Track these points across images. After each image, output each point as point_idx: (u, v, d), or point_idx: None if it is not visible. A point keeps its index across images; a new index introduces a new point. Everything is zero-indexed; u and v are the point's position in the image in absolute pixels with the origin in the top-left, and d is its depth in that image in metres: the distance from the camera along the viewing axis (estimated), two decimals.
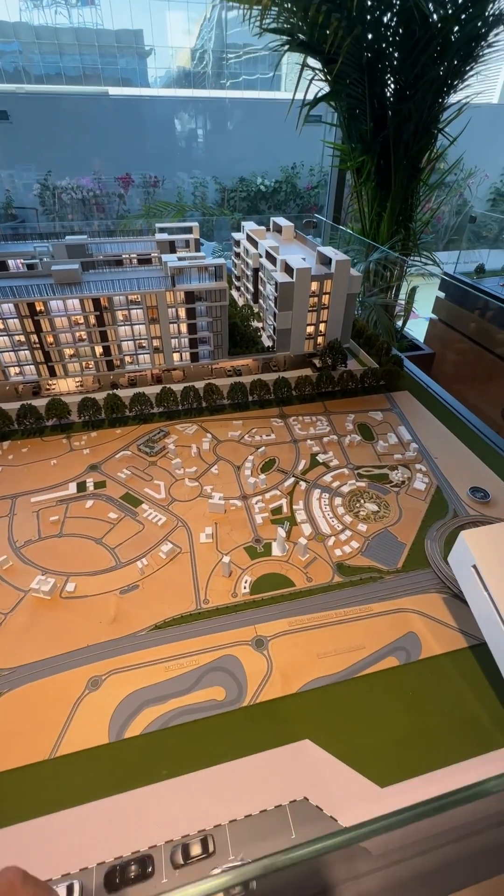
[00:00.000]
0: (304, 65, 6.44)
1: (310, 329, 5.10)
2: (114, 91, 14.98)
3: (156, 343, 4.75)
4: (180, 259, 4.68)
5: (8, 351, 4.40)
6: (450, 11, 5.64)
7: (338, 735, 2.34)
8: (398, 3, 5.73)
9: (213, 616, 2.87)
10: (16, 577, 3.08)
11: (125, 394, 4.56)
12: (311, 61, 6.51)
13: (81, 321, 4.46)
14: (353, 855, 1.71)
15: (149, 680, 2.53)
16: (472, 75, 6.40)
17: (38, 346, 4.44)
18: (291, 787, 2.15)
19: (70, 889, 1.80)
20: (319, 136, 8.63)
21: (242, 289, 6.36)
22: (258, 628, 2.80)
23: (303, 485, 3.85)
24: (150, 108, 14.37)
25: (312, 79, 6.56)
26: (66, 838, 1.98)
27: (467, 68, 6.33)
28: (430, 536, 3.42)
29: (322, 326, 5.14)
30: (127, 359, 4.78)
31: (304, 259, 4.82)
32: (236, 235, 6.25)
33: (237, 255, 6.36)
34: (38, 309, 4.28)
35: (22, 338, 4.37)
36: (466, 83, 6.58)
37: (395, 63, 6.20)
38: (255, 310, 5.85)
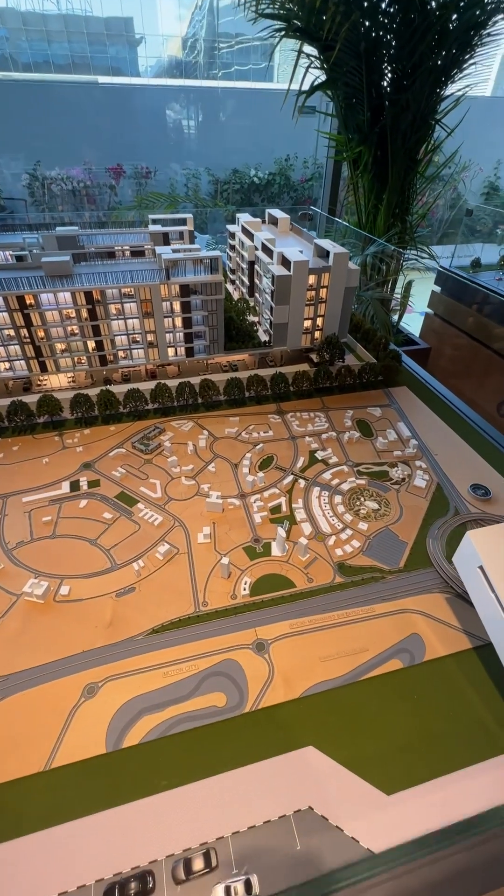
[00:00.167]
0: (301, 52, 6.29)
1: (307, 323, 5.01)
2: (103, 80, 14.68)
3: (150, 338, 4.63)
4: (175, 251, 4.56)
5: None
6: None
7: (342, 741, 2.29)
8: None
9: (213, 619, 2.79)
10: (7, 580, 2.97)
11: (119, 390, 4.45)
12: (308, 49, 6.37)
13: (73, 315, 4.33)
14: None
15: (147, 686, 2.46)
16: (470, 65, 6.29)
17: (28, 340, 4.30)
18: (295, 796, 2.09)
19: None
20: (314, 127, 8.49)
21: (238, 282, 6.24)
22: (259, 631, 2.73)
23: (302, 483, 3.78)
24: (141, 97, 14.10)
25: (309, 67, 6.41)
26: (63, 855, 1.91)
27: (465, 58, 6.22)
28: (432, 535, 3.36)
29: (319, 321, 5.05)
30: (120, 354, 4.66)
31: (301, 252, 4.72)
32: (231, 227, 6.13)
33: (232, 247, 6.24)
34: (28, 302, 4.14)
35: (11, 332, 4.23)
36: (464, 73, 6.47)
37: (393, 52, 6.08)
38: (251, 304, 5.74)
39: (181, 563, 3.12)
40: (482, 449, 4.22)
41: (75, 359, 4.54)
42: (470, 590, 2.62)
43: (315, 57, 6.40)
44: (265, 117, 14.47)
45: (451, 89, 6.65)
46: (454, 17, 5.74)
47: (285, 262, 4.66)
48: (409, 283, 7.97)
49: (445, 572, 3.06)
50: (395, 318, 8.12)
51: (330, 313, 5.00)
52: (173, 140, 14.68)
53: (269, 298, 4.85)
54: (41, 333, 4.30)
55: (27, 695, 2.41)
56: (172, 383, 4.54)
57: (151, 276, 4.40)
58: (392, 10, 5.82)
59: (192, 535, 3.31)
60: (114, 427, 4.32)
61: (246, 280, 5.72)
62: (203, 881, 1.84)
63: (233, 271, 6.43)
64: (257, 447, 4.10)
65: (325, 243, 4.89)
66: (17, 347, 4.32)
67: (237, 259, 6.07)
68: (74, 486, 3.68)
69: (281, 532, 3.22)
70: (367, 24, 5.87)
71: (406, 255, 7.57)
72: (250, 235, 5.49)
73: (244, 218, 5.86)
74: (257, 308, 5.57)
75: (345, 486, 3.76)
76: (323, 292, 4.85)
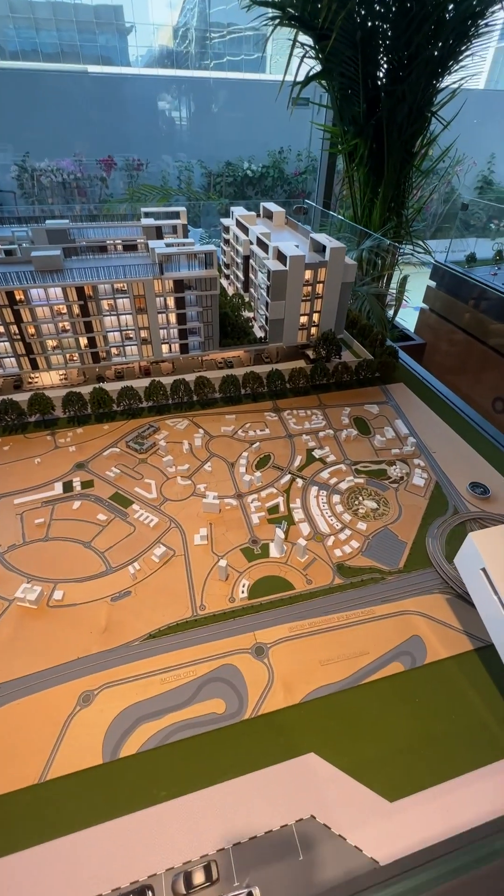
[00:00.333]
0: (296, 41, 6.17)
1: (303, 319, 4.94)
2: (93, 69, 14.39)
3: (143, 334, 4.54)
4: (168, 245, 4.46)
5: None
6: None
7: (344, 747, 2.25)
8: None
9: (210, 623, 2.74)
10: None
11: (112, 387, 4.36)
12: (302, 38, 6.25)
13: (64, 311, 4.23)
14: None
15: (144, 693, 2.40)
16: (466, 56, 6.21)
17: (18, 337, 4.19)
18: (297, 805, 2.05)
19: None
20: (308, 119, 8.37)
21: (232, 277, 6.15)
22: (258, 635, 2.68)
23: (299, 482, 3.73)
24: (132, 87, 13.84)
25: (304, 56, 6.30)
26: (59, 871, 1.85)
27: (462, 48, 6.14)
28: (432, 534, 3.33)
29: (316, 317, 4.98)
30: (113, 351, 4.56)
31: (297, 246, 4.64)
32: (225, 221, 6.03)
33: (226, 241, 6.14)
34: (17, 298, 4.03)
35: (1, 329, 4.12)
36: (461, 65, 6.39)
37: (389, 42, 5.98)
38: (247, 299, 5.65)
39: (178, 566, 3.06)
40: (480, 446, 4.19)
41: (67, 356, 4.44)
42: (472, 591, 2.59)
43: (310, 46, 6.29)
44: (258, 109, 14.29)
45: (447, 81, 6.57)
46: (451, 6, 5.66)
47: (281, 256, 4.58)
48: (405, 278, 7.91)
49: (445, 572, 3.03)
50: (391, 313, 8.06)
51: (326, 309, 4.93)
52: (165, 131, 14.46)
53: (264, 294, 4.77)
54: (31, 330, 4.20)
55: (20, 704, 2.34)
56: (167, 381, 4.46)
57: (144, 270, 4.31)
58: None
59: (189, 536, 3.24)
60: (107, 426, 4.23)
61: (241, 275, 5.63)
62: (204, 895, 1.80)
63: (227, 266, 6.33)
64: (254, 446, 4.04)
65: (322, 238, 4.81)
66: (7, 344, 4.21)
67: (232, 253, 5.98)
68: (67, 486, 3.60)
69: (279, 533, 3.17)
70: (363, 12, 5.77)
71: (402, 250, 7.51)
72: (245, 229, 5.40)
73: (238, 211, 5.76)
74: (252, 303, 5.49)
75: (343, 486, 3.71)
76: (319, 288, 4.78)
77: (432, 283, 8.57)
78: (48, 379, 4.57)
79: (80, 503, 3.47)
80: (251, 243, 5.21)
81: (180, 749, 2.22)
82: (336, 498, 3.61)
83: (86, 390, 4.28)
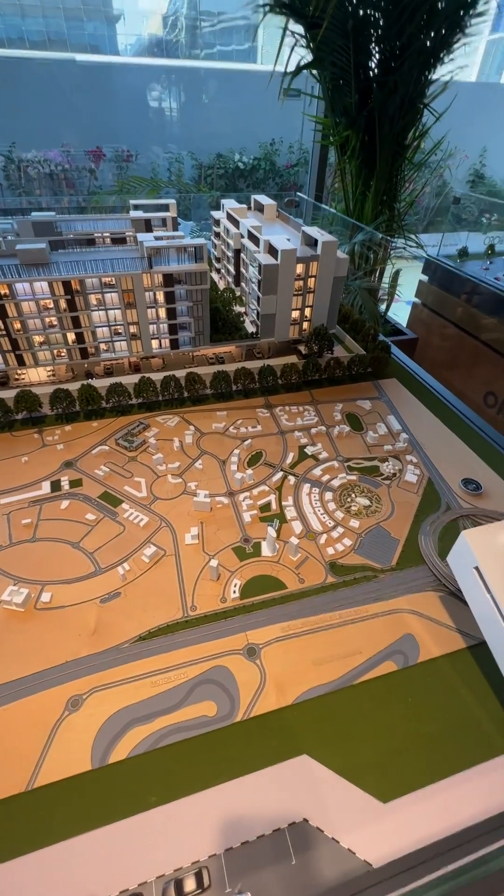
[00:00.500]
0: (286, 29, 6.06)
1: (295, 314, 4.88)
2: (81, 58, 14.09)
3: (133, 329, 4.46)
4: (157, 239, 4.37)
5: None
6: None
7: (336, 748, 2.23)
8: None
9: (202, 624, 2.70)
10: None
11: (101, 384, 4.28)
12: (293, 27, 6.13)
13: (51, 306, 4.13)
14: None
15: (134, 697, 2.36)
16: (459, 46, 6.14)
17: (3, 332, 4.09)
18: (290, 808, 2.03)
19: None
20: (299, 110, 8.25)
21: (223, 271, 6.06)
22: (249, 635, 2.64)
23: (291, 479, 3.69)
24: (122, 76, 13.57)
25: (295, 45, 6.19)
26: (47, 880, 1.81)
27: (454, 39, 6.06)
28: (424, 532, 3.31)
29: (308, 311, 4.92)
30: (102, 346, 4.48)
31: (288, 240, 4.57)
32: (216, 214, 5.93)
33: (217, 234, 6.05)
34: (1, 292, 3.93)
35: None
36: (453, 56, 6.32)
37: (381, 31, 5.89)
38: (238, 293, 5.58)
39: (168, 566, 3.01)
40: (472, 442, 4.18)
41: (55, 352, 4.35)
42: (465, 590, 2.57)
43: (301, 35, 6.18)
44: (249, 100, 14.10)
45: (439, 72, 6.49)
46: None
47: (272, 250, 4.51)
48: (397, 273, 7.86)
49: (438, 570, 3.01)
50: (383, 307, 8.02)
51: (318, 303, 4.88)
52: (155, 122, 14.22)
53: (255, 288, 4.70)
54: (17, 325, 4.10)
55: (7, 710, 2.29)
56: (157, 377, 4.39)
57: (133, 264, 4.22)
58: None
59: (180, 535, 3.20)
60: (96, 423, 4.16)
61: (232, 269, 5.55)
62: None
63: (218, 260, 6.24)
64: (245, 443, 3.99)
65: (313, 231, 4.75)
66: None
67: (222, 247, 5.89)
68: (55, 486, 3.53)
69: (271, 531, 3.13)
70: (354, 1, 5.67)
71: (394, 244, 7.45)
72: (236, 222, 5.31)
73: (229, 204, 5.67)
74: (244, 298, 5.42)
75: (335, 483, 3.68)
76: (311, 282, 4.72)
77: (424, 278, 8.55)
78: (35, 375, 4.47)
79: (69, 503, 3.40)
80: (242, 237, 5.13)
81: (171, 753, 2.18)
82: (328, 495, 3.58)
83: (74, 387, 4.19)
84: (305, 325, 5.01)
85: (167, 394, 4.40)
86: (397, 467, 3.86)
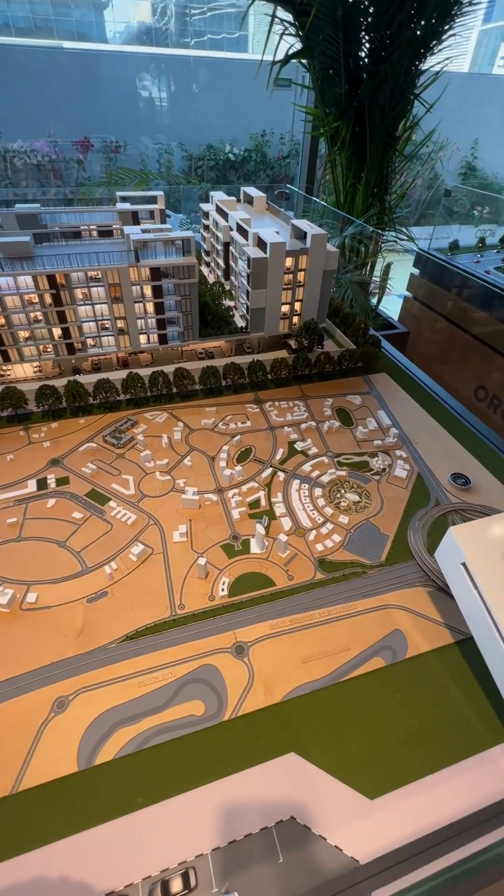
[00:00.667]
0: (274, 16, 5.96)
1: (285, 308, 4.84)
2: (68, 45, 13.81)
3: (120, 324, 4.39)
4: (144, 231, 4.30)
5: None
6: None
7: (324, 745, 2.22)
8: None
9: (190, 622, 2.68)
10: None
11: (88, 380, 4.22)
12: (282, 14, 6.03)
13: (36, 300, 4.06)
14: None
15: (121, 697, 2.34)
16: (449, 36, 6.08)
17: None
18: (277, 806, 2.03)
19: None
20: (290, 100, 8.15)
21: (213, 264, 5.99)
22: (238, 633, 2.63)
23: (281, 475, 3.67)
24: (110, 65, 13.32)
25: (283, 33, 6.09)
26: (33, 884, 1.79)
27: (445, 28, 6.00)
28: (413, 527, 3.31)
29: (298, 305, 4.88)
30: (89, 341, 4.41)
31: (277, 233, 4.51)
32: (205, 206, 5.85)
33: (206, 227, 5.97)
34: None
35: None
36: (443, 46, 6.25)
37: (371, 20, 5.81)
38: (227, 287, 5.52)
39: (156, 564, 2.98)
40: (462, 437, 4.18)
41: (40, 347, 4.28)
42: (452, 586, 2.57)
43: (290, 23, 6.08)
44: (240, 90, 13.92)
45: (430, 62, 6.43)
46: None
47: (261, 243, 4.46)
48: (388, 266, 7.82)
49: (426, 565, 3.01)
50: (374, 301, 7.99)
51: (308, 297, 4.84)
52: (144, 112, 14.00)
53: (245, 282, 4.65)
54: (1, 320, 4.02)
55: None
56: (145, 372, 4.33)
57: (120, 258, 4.15)
58: None
59: (168, 533, 3.17)
60: (83, 420, 4.10)
61: (221, 262, 5.49)
62: None
63: (207, 253, 6.17)
64: (235, 439, 3.95)
65: (303, 224, 4.69)
66: None
67: (212, 240, 5.82)
68: (41, 484, 3.48)
69: (260, 528, 3.11)
70: None
71: (385, 237, 7.41)
72: (225, 215, 5.24)
73: (218, 196, 5.59)
74: (233, 292, 5.36)
75: (325, 478, 3.66)
76: (301, 275, 4.68)
77: (416, 271, 8.52)
78: (21, 371, 4.40)
79: (55, 501, 3.36)
80: (231, 229, 5.06)
81: (158, 753, 2.17)
82: (318, 491, 3.56)
83: (60, 383, 4.13)
84: (295, 319, 4.97)
85: (155, 389, 4.35)
86: (387, 462, 3.85)
